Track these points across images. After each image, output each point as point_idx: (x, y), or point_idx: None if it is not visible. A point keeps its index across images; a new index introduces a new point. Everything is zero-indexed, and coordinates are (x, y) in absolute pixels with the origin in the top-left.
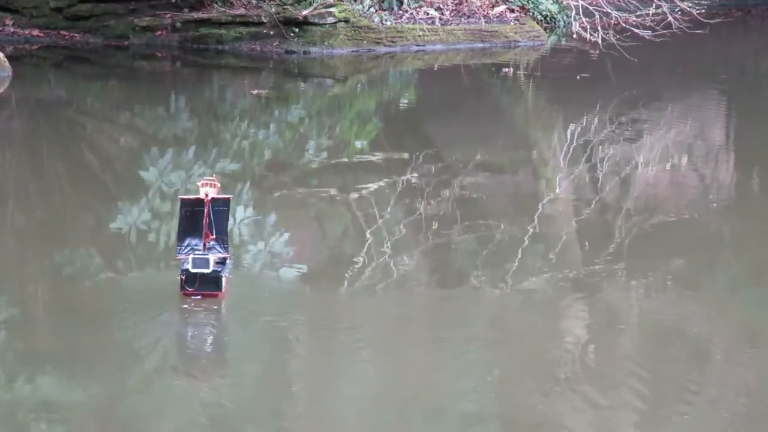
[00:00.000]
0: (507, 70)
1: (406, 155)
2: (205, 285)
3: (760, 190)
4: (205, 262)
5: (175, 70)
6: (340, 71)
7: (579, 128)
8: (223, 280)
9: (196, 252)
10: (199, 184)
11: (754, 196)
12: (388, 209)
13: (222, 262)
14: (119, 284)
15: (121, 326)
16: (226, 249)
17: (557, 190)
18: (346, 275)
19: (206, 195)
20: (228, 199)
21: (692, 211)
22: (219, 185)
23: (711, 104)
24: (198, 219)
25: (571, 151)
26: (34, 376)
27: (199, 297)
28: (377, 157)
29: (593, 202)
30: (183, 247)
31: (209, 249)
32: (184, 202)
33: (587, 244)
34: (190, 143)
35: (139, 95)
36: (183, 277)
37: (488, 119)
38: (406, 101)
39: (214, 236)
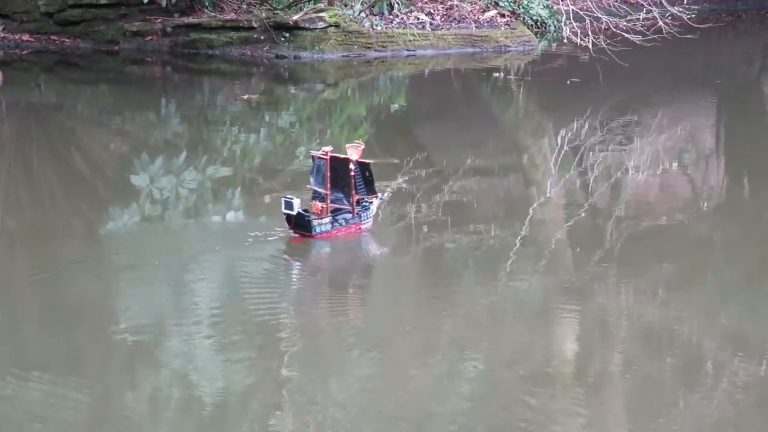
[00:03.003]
0: (498, 74)
1: (396, 160)
2: (298, 226)
3: (750, 195)
4: (290, 205)
5: (165, 75)
6: (330, 76)
7: (569, 133)
8: (326, 227)
9: (288, 195)
10: (346, 146)
11: (744, 201)
12: (379, 214)
13: (336, 212)
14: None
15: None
16: (350, 203)
17: (548, 195)
18: (338, 277)
19: (325, 153)
20: (347, 160)
21: (683, 215)
22: (362, 149)
23: (702, 109)
24: (322, 170)
25: (561, 156)
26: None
27: (297, 236)
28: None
29: (584, 207)
30: (315, 194)
31: (335, 200)
32: (312, 157)
33: (578, 248)
34: (181, 148)
35: (130, 100)
36: (285, 216)
37: (479, 124)
38: (396, 106)
39: (322, 189)
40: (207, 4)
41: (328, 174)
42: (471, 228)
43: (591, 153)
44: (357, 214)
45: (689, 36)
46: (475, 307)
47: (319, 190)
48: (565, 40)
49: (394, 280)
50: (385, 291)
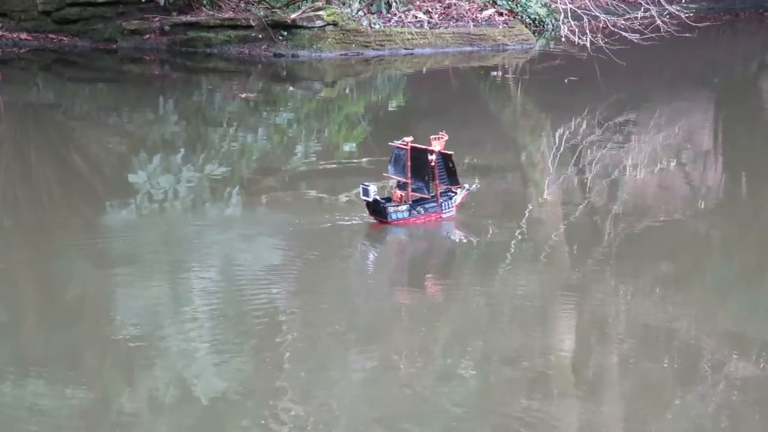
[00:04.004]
0: (496, 73)
1: None
2: (375, 213)
3: (748, 193)
4: (366, 192)
5: (163, 74)
6: (328, 75)
7: (567, 131)
8: (403, 214)
9: (365, 183)
10: (431, 137)
11: (741, 199)
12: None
13: (418, 201)
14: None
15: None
16: (429, 192)
17: (546, 193)
18: (332, 276)
19: (405, 143)
20: (427, 150)
21: (680, 214)
22: (444, 141)
23: (700, 107)
24: (402, 160)
25: (559, 155)
26: None
27: (375, 221)
28: (366, 160)
29: (582, 205)
30: (397, 183)
31: (416, 189)
32: (392, 147)
33: (576, 246)
34: (179, 147)
35: (128, 99)
36: (365, 203)
37: (477, 123)
38: (394, 105)
39: (402, 178)
40: (205, 2)
41: (409, 163)
42: (469, 226)
43: (589, 151)
44: (439, 203)
45: (687, 35)
46: (472, 305)
47: (399, 178)
48: (563, 39)
49: (392, 275)
50: (378, 293)
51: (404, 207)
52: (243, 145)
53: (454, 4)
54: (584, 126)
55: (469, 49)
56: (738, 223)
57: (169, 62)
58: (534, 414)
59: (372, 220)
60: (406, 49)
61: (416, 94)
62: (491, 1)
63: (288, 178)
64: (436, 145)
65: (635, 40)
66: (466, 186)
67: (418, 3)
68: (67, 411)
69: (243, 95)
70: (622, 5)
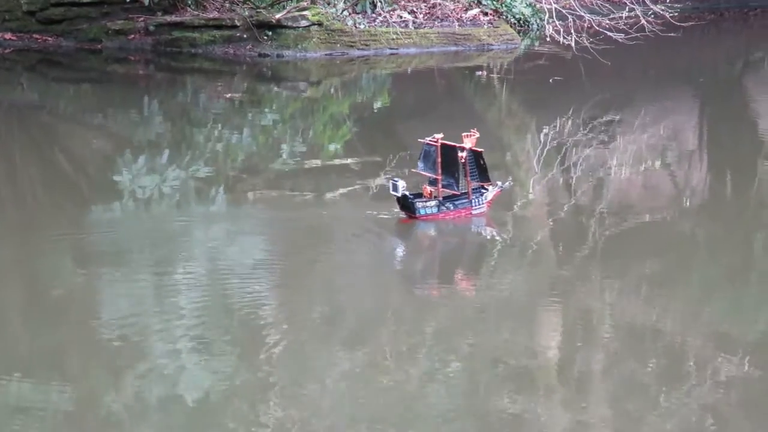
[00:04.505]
0: (481, 73)
1: (379, 159)
2: (404, 208)
3: (733, 193)
4: (396, 188)
5: (148, 74)
6: (313, 74)
7: (552, 131)
8: (432, 210)
9: (395, 179)
10: (463, 134)
11: (726, 199)
12: (364, 212)
13: (449, 197)
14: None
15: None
16: (459, 188)
17: (531, 193)
18: (321, 276)
19: (435, 139)
20: (456, 147)
21: (665, 213)
22: (475, 139)
23: (685, 107)
24: (431, 156)
25: (544, 154)
26: None
27: (404, 216)
28: (351, 160)
29: (567, 205)
30: (429, 180)
31: (447, 185)
32: (423, 143)
33: (561, 246)
34: (164, 147)
35: (113, 99)
36: (395, 198)
37: (462, 122)
38: (379, 104)
39: (432, 174)
40: (190, 2)
41: (439, 160)
42: (453, 226)
43: (574, 151)
44: (470, 199)
45: (672, 34)
46: (458, 305)
47: (429, 174)
48: (548, 39)
49: (373, 283)
50: (365, 293)
51: (433, 203)
52: (228, 144)
53: (439, 4)
54: (569, 125)
55: (454, 48)
56: (723, 221)
57: (154, 62)
58: (522, 413)
59: (401, 215)
60: (391, 49)
61: (401, 93)
62: (476, 1)
63: (273, 177)
64: (467, 142)
65: (620, 40)
66: (499, 183)
67: (403, 3)
68: (52, 410)
69: (228, 95)
70: (607, 5)
